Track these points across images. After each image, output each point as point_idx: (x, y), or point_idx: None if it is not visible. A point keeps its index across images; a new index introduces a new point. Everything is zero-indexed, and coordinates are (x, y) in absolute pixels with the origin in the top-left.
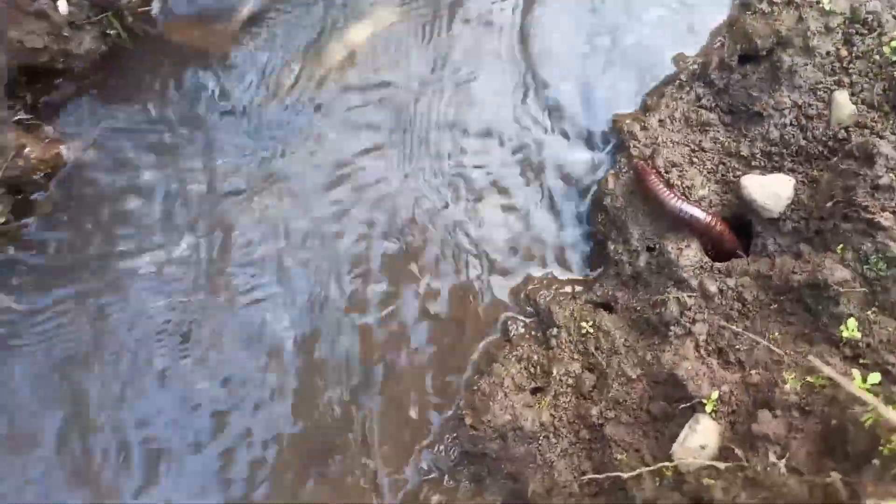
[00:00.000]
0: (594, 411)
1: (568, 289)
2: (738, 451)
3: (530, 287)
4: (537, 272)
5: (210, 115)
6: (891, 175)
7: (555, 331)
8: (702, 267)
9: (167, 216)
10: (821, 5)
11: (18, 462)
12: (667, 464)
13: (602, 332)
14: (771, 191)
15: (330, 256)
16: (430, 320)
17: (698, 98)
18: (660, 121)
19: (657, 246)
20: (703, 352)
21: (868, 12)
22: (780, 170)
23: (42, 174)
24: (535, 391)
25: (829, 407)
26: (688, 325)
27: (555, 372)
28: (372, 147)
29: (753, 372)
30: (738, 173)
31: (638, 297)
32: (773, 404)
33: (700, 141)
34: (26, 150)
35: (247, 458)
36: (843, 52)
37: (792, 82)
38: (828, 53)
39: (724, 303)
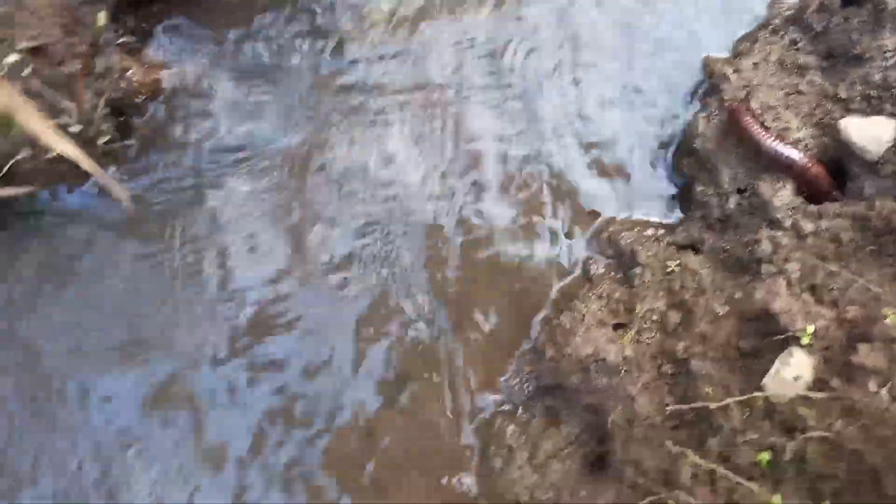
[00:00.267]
0: (679, 346)
1: (650, 231)
2: (835, 382)
3: (611, 228)
4: (619, 214)
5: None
6: None
7: (638, 269)
8: (796, 208)
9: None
10: None
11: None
12: (757, 394)
13: (689, 271)
14: (870, 133)
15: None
16: (507, 259)
17: (794, 42)
18: (754, 64)
19: (749, 187)
20: (796, 289)
21: None
22: (880, 113)
23: (143, 97)
24: (616, 327)
25: None
26: (781, 263)
27: (638, 309)
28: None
29: (850, 308)
30: (836, 116)
31: (726, 237)
32: (872, 338)
33: (796, 84)
34: (129, 72)
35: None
36: None
37: None
38: None
39: (818, 243)
